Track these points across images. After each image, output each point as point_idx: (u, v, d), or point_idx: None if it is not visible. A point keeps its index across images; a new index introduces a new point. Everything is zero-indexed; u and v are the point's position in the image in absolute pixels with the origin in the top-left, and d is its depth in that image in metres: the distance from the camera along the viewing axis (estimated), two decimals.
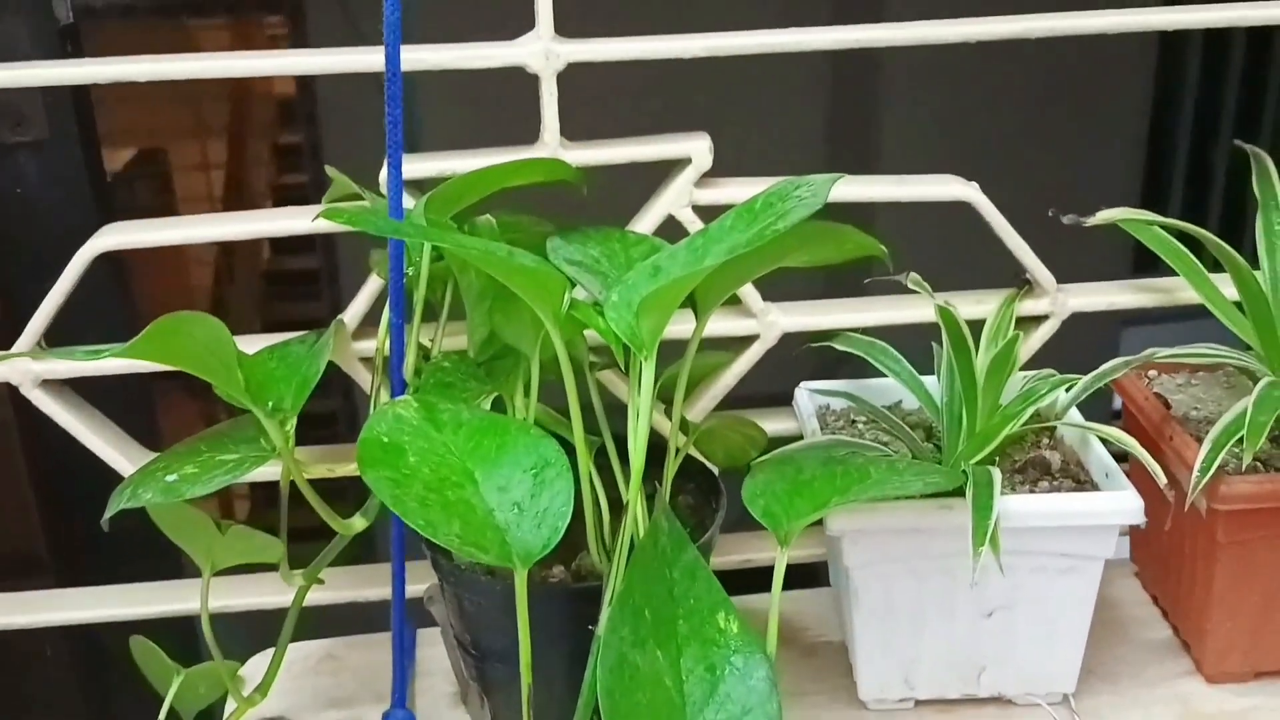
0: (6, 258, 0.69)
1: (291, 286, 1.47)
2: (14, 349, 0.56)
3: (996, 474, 0.47)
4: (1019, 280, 0.58)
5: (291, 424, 0.45)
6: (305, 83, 1.23)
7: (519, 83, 0.56)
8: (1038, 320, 0.59)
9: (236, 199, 1.50)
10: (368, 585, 0.62)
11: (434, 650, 0.57)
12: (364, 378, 0.57)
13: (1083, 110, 1.25)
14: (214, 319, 0.42)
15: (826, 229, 0.46)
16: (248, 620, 0.65)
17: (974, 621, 0.50)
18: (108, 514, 0.43)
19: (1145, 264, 0.60)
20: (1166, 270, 0.56)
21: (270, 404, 0.44)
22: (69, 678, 0.88)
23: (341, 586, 0.61)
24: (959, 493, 0.47)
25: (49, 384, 0.57)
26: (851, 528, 0.48)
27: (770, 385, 0.60)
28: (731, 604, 0.43)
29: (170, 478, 0.42)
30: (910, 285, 0.52)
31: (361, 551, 0.59)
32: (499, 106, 0.62)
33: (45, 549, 0.85)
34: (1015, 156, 1.13)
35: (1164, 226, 0.55)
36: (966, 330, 0.51)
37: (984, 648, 0.51)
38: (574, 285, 0.45)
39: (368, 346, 0.57)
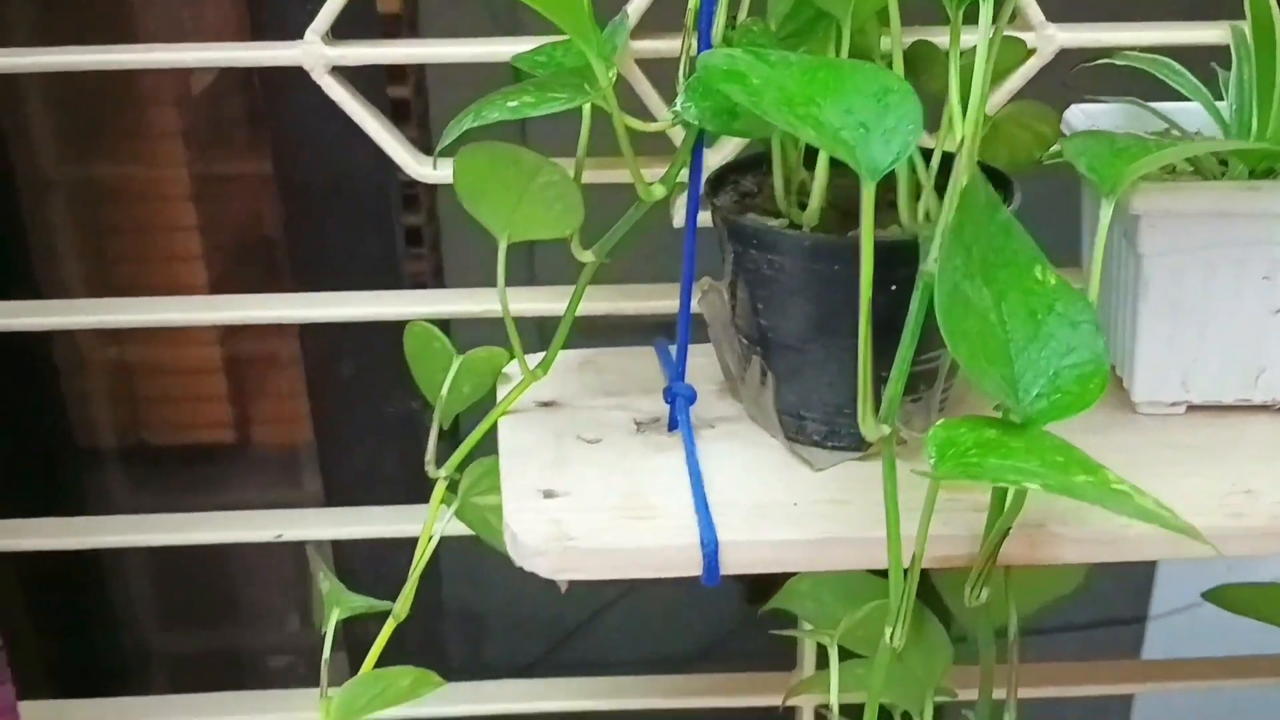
0: None
1: None
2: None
3: None
4: None
5: (614, 71, 0.46)
6: None
7: None
8: None
9: None
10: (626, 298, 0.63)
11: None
12: (638, 78, 0.58)
13: None
14: None
15: None
16: None
17: (1260, 318, 0.50)
18: (445, 139, 0.45)
19: None
20: None
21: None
22: None
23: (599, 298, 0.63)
24: (1268, 174, 0.47)
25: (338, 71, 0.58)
26: (1153, 208, 0.48)
27: None
28: (1047, 261, 0.44)
29: (511, 104, 0.44)
30: None
31: None
32: None
33: None
34: None
35: None
36: (1278, 17, 0.50)
37: (1267, 347, 0.51)
38: None
39: (644, 46, 0.58)
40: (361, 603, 0.57)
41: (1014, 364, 0.42)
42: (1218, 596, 0.76)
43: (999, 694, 0.52)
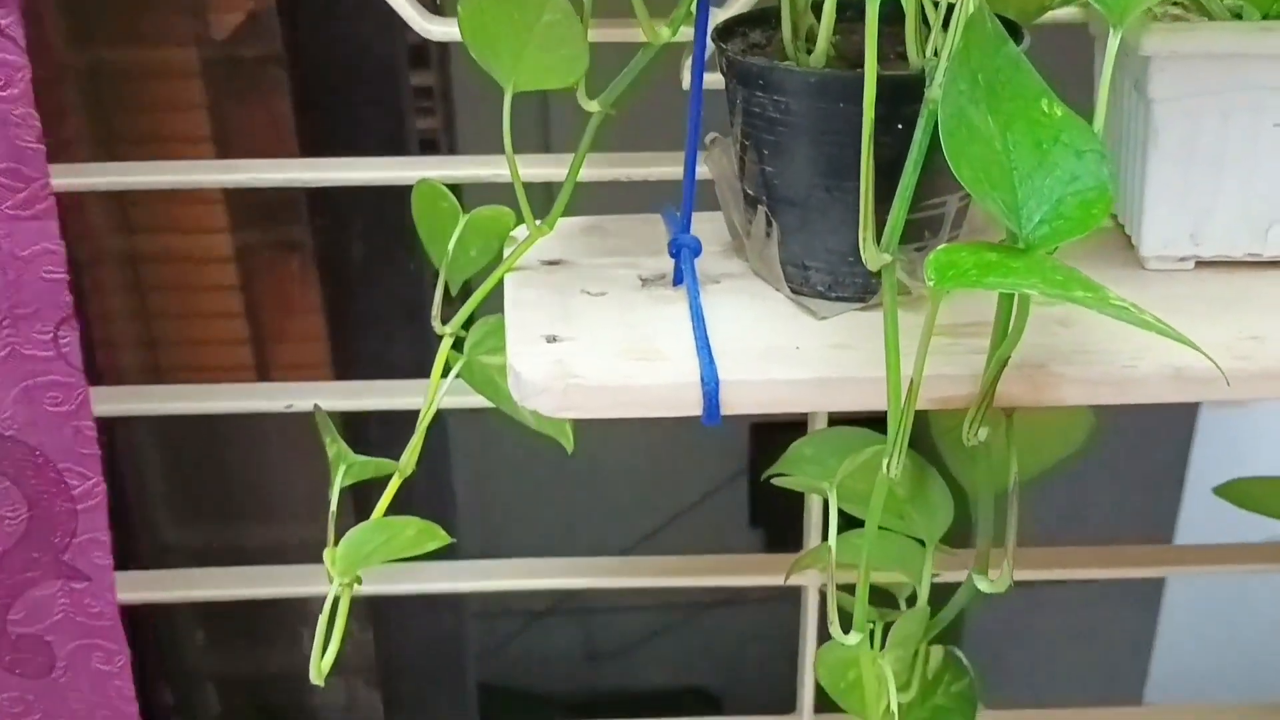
0: None
1: None
2: None
3: None
4: None
5: None
6: None
7: None
8: None
9: None
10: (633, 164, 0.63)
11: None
12: None
13: None
14: None
15: None
16: None
17: (1273, 168, 0.50)
18: None
19: None
20: None
21: None
22: None
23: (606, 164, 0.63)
24: None
25: None
26: (1163, 50, 0.48)
27: None
28: (1053, 94, 0.44)
29: None
30: None
31: None
32: None
33: None
34: None
35: None
36: None
37: (1278, 199, 0.50)
38: None
39: None
40: (367, 463, 0.58)
41: (1017, 192, 0.42)
42: (1229, 491, 0.76)
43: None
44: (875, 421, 0.50)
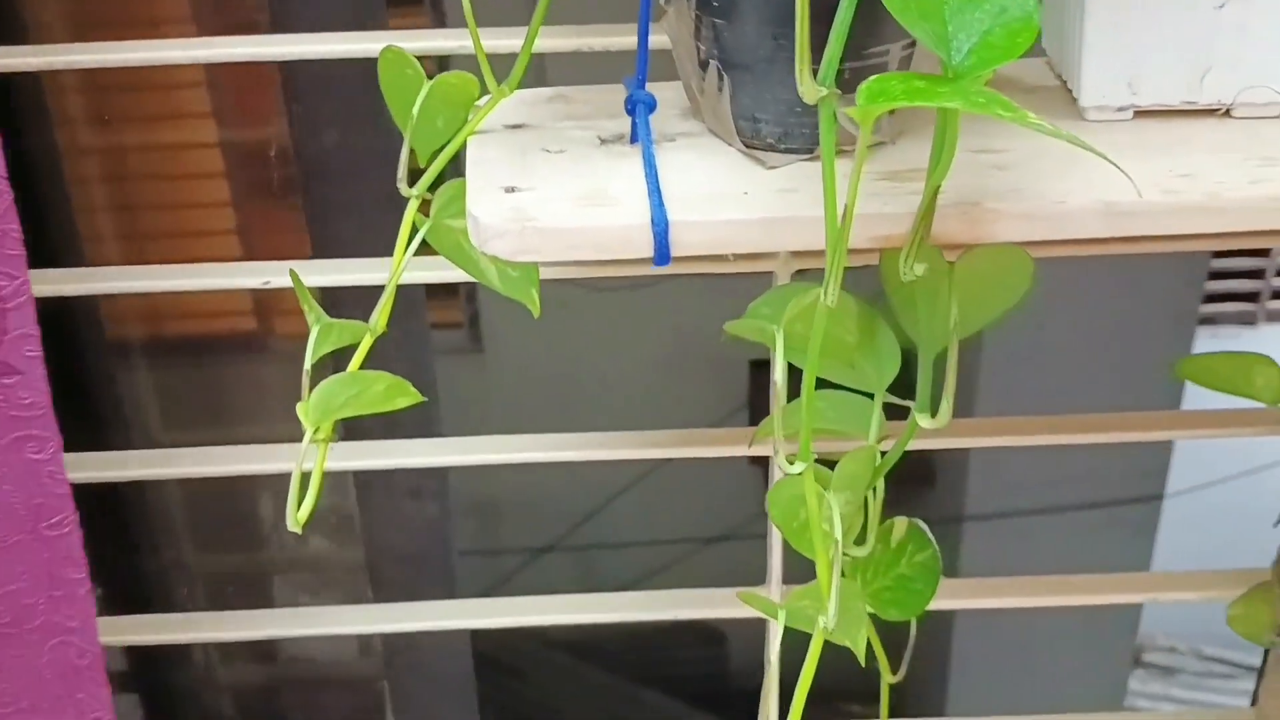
0: None
1: None
2: None
3: None
4: None
5: None
6: None
7: None
8: None
9: None
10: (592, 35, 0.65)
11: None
12: None
13: None
14: None
15: None
16: None
17: (1205, 14, 0.51)
18: None
19: None
20: None
21: None
22: None
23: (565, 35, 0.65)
24: None
25: None
26: None
27: None
28: None
29: None
30: None
31: None
32: None
33: None
34: None
35: None
36: None
37: (1212, 45, 0.52)
38: None
39: None
40: (340, 325, 0.60)
41: (948, 24, 0.44)
42: (1187, 368, 0.78)
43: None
44: None
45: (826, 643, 0.54)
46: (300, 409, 0.56)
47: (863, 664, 0.58)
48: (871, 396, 0.58)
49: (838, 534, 0.52)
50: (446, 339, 3.28)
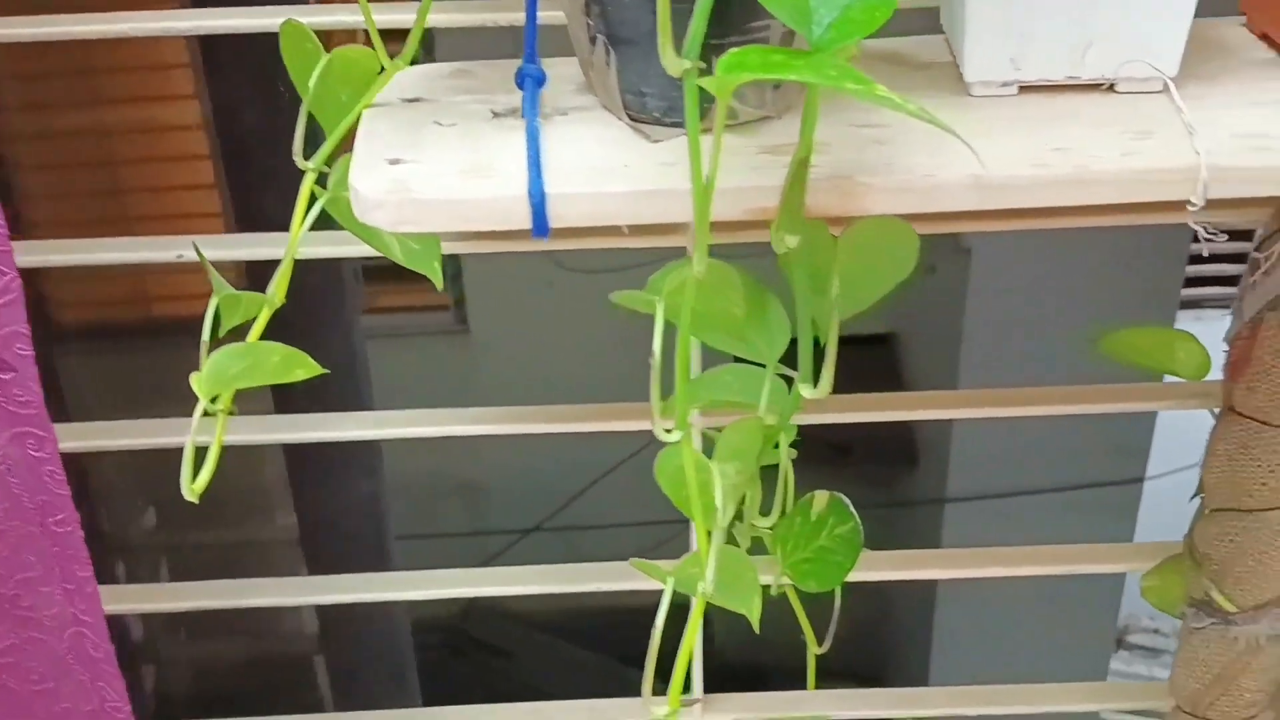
0: None
1: None
2: None
3: None
4: None
5: None
6: None
7: None
8: None
9: None
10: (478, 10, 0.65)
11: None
12: None
13: None
14: None
15: None
16: None
17: None
18: None
19: None
20: None
21: None
22: None
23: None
24: None
25: None
26: None
27: None
28: None
29: None
30: None
31: None
32: None
33: None
34: None
35: None
36: None
37: (1093, 20, 0.52)
38: None
39: None
40: (239, 296, 0.60)
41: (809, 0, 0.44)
42: (1110, 343, 0.78)
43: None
44: None
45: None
46: (194, 379, 0.56)
47: (756, 630, 0.59)
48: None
49: (718, 502, 0.53)
50: (432, 320, 3.29)
